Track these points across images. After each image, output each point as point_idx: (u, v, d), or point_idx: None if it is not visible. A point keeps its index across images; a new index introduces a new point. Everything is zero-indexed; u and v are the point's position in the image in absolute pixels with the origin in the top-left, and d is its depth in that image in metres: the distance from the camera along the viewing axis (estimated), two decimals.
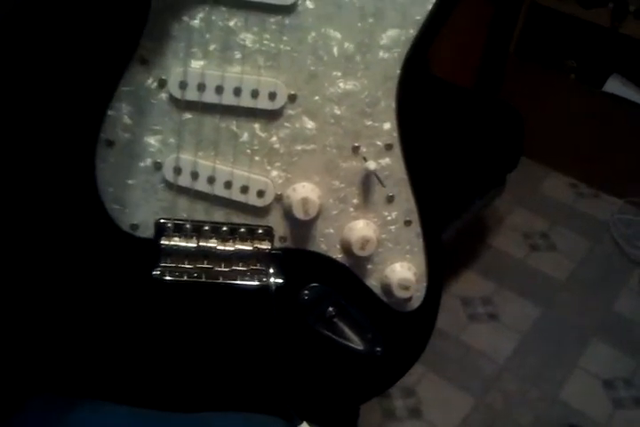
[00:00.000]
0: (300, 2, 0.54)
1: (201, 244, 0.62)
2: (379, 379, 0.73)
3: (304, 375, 0.71)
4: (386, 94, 0.58)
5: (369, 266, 0.65)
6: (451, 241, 1.35)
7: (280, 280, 0.64)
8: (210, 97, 0.57)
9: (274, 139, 0.59)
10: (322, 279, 0.65)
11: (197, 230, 0.62)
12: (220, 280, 0.64)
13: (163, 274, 0.63)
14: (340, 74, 0.57)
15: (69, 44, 0.56)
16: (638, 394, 1.40)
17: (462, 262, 1.64)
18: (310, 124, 0.59)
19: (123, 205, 0.61)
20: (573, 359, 1.45)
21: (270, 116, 0.58)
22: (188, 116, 0.58)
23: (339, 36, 0.56)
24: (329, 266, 0.64)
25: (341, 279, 0.65)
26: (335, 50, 0.56)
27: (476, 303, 1.55)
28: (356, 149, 0.60)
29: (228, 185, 0.60)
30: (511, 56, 1.91)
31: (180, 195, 0.61)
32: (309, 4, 0.55)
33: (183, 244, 0.62)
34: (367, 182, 0.61)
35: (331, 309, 0.66)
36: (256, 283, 0.64)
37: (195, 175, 0.59)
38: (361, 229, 0.62)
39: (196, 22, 0.55)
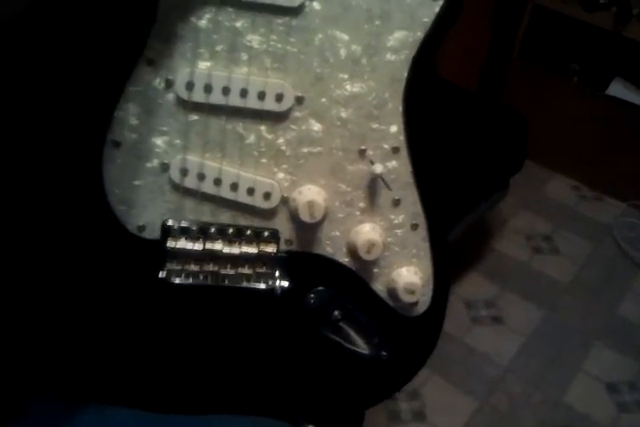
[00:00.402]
0: (307, 3, 0.54)
1: (207, 246, 0.62)
2: (385, 383, 0.72)
3: (310, 379, 0.70)
4: (393, 97, 0.58)
5: (375, 270, 0.64)
6: (454, 244, 1.35)
7: (286, 283, 0.64)
8: (216, 98, 0.57)
9: (280, 141, 0.59)
10: (328, 283, 0.65)
11: (203, 232, 0.62)
12: (226, 283, 0.63)
13: (169, 276, 0.63)
14: (346, 76, 0.57)
15: (77, 45, 0.57)
16: None
17: (466, 265, 1.64)
18: (317, 127, 0.59)
19: (129, 206, 0.61)
20: (577, 363, 1.45)
21: (277, 118, 0.58)
22: (194, 117, 0.58)
23: (346, 37, 0.56)
24: (335, 270, 0.64)
25: (347, 283, 0.65)
26: (342, 52, 0.56)
27: (479, 306, 1.55)
28: (362, 152, 0.60)
29: (234, 187, 0.60)
30: (515, 59, 1.91)
31: (187, 196, 0.61)
32: (316, 6, 0.55)
33: (189, 246, 0.62)
34: (373, 186, 0.61)
35: (336, 312, 0.66)
36: (262, 286, 0.64)
37: (201, 177, 0.59)
38: (367, 232, 0.61)
39: (203, 23, 0.55)
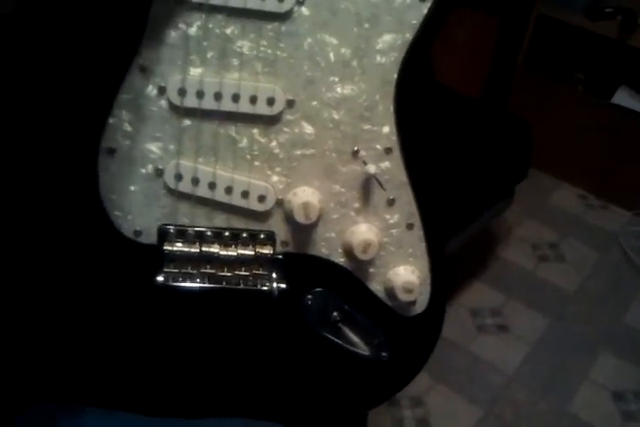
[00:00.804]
0: (295, 9, 0.55)
1: (203, 249, 0.62)
2: (385, 385, 0.72)
3: (310, 381, 0.71)
4: (383, 98, 0.58)
5: (372, 270, 0.65)
6: (459, 252, 1.35)
7: (283, 285, 0.64)
8: (209, 103, 0.57)
9: (273, 144, 0.59)
10: (325, 284, 0.65)
11: (200, 236, 0.62)
12: (224, 285, 0.64)
13: (166, 280, 0.63)
14: (337, 79, 0.58)
15: (68, 53, 0.57)
16: None
17: (471, 273, 1.63)
18: (309, 129, 0.59)
19: (125, 211, 0.61)
20: (583, 371, 1.44)
21: (269, 122, 0.59)
22: (187, 122, 0.58)
23: (335, 41, 0.56)
24: (332, 270, 0.64)
25: (345, 284, 0.65)
26: (332, 55, 0.57)
27: (485, 314, 1.54)
28: (355, 153, 0.60)
29: (228, 190, 0.60)
30: (520, 68, 1.91)
31: (182, 201, 0.61)
32: (305, 11, 0.55)
33: (186, 249, 0.62)
34: (368, 186, 0.61)
35: (335, 314, 0.66)
36: (259, 288, 0.64)
37: (195, 181, 0.60)
38: (363, 232, 0.62)
39: (194, 30, 0.56)
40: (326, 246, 0.63)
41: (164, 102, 0.58)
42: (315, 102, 0.58)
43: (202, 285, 0.64)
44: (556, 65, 1.90)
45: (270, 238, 0.63)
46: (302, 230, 0.62)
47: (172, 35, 0.56)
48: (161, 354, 0.68)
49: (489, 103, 1.91)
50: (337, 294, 0.65)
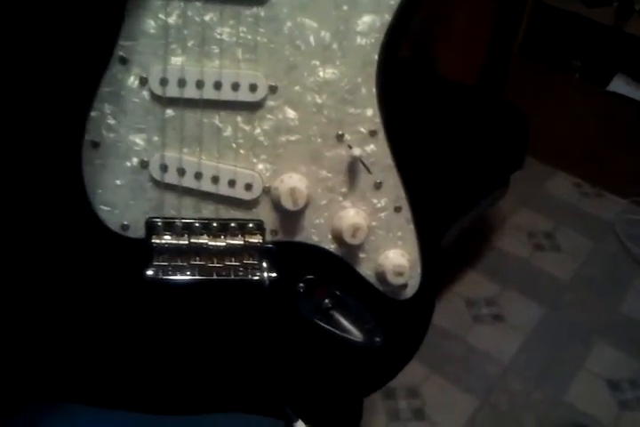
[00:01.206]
0: None
1: (192, 240, 0.62)
2: (380, 371, 0.72)
3: (304, 371, 0.70)
4: (365, 80, 0.58)
5: (362, 255, 0.64)
6: (455, 241, 1.36)
7: (274, 274, 0.64)
8: (191, 92, 0.57)
9: (257, 131, 0.59)
10: (316, 271, 0.65)
11: (188, 227, 0.62)
12: (214, 276, 0.63)
13: (156, 273, 0.63)
14: (318, 63, 0.58)
15: (46, 47, 0.57)
16: None
17: (467, 263, 1.64)
18: (292, 115, 0.59)
19: (112, 206, 0.61)
20: (578, 360, 1.45)
21: (252, 109, 0.58)
22: (170, 112, 0.58)
23: (314, 25, 0.56)
24: (322, 257, 0.64)
25: (336, 270, 0.65)
26: (312, 39, 0.57)
27: (480, 304, 1.55)
28: (340, 137, 0.60)
29: (215, 180, 0.60)
30: (516, 55, 1.92)
31: (168, 192, 0.61)
32: None
33: (174, 241, 0.62)
34: (354, 170, 0.61)
35: (327, 301, 0.66)
36: (250, 278, 0.64)
37: (181, 172, 0.60)
38: (351, 217, 0.62)
39: (173, 19, 0.55)
40: (316, 233, 0.63)
41: (146, 93, 0.57)
42: (297, 87, 0.58)
43: (192, 277, 0.63)
44: (553, 52, 1.91)
45: (259, 227, 0.63)
46: (291, 218, 0.62)
47: (151, 24, 0.55)
48: (154, 349, 0.67)
49: (485, 91, 1.92)
50: (328, 281, 0.65)
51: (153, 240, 0.62)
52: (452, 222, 1.31)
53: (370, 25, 0.57)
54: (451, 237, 1.32)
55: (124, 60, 0.56)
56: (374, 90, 0.59)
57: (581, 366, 1.43)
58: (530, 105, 1.60)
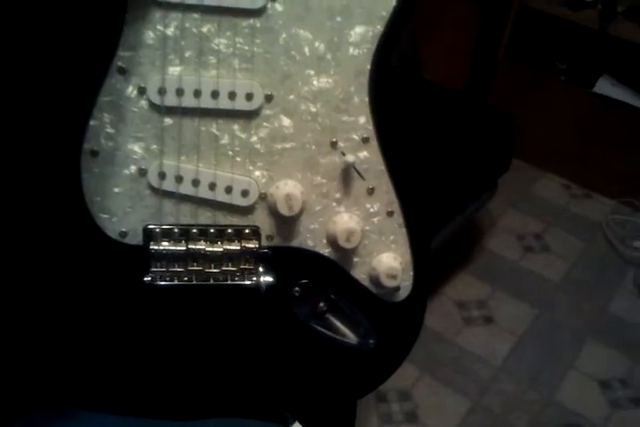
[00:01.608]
0: (269, 5, 0.57)
1: (190, 246, 0.63)
2: (373, 372, 0.73)
3: (299, 374, 0.72)
4: (358, 89, 0.60)
5: (356, 259, 0.66)
6: (445, 244, 1.36)
7: (270, 279, 0.65)
8: (188, 101, 0.58)
9: (254, 139, 0.61)
10: (311, 275, 0.66)
11: (185, 234, 0.63)
12: (211, 282, 0.65)
13: (154, 279, 0.64)
14: (313, 72, 0.59)
15: (46, 57, 0.58)
16: (635, 394, 1.41)
17: (457, 265, 1.65)
18: (288, 123, 0.60)
19: (110, 213, 0.62)
20: (569, 360, 1.46)
21: (249, 117, 0.60)
22: (168, 121, 0.59)
23: (309, 36, 0.58)
24: (317, 262, 0.66)
25: (330, 274, 0.66)
26: (307, 49, 0.58)
27: (471, 306, 1.56)
28: (334, 145, 0.62)
29: (212, 187, 0.61)
30: (501, 59, 1.93)
31: (166, 199, 0.62)
32: (278, 7, 0.57)
33: (172, 248, 0.63)
34: (347, 176, 0.63)
35: (322, 304, 0.68)
36: (246, 282, 0.65)
37: (179, 179, 0.61)
38: (345, 221, 0.63)
39: (171, 30, 0.57)
40: (311, 238, 0.65)
41: (144, 102, 0.59)
42: (292, 96, 0.60)
43: (190, 282, 0.64)
44: (538, 55, 1.93)
45: (255, 233, 0.64)
46: (286, 223, 0.64)
47: (150, 35, 0.57)
48: (153, 354, 0.68)
49: (471, 95, 1.93)
50: (323, 285, 0.67)
51: (151, 247, 0.63)
52: (440, 226, 1.32)
53: (362, 36, 0.58)
54: (440, 241, 1.33)
55: (122, 71, 0.58)
56: (367, 98, 0.60)
57: (572, 366, 1.45)
58: (516, 108, 1.61)
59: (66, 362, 0.68)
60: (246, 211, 0.63)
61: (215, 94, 0.58)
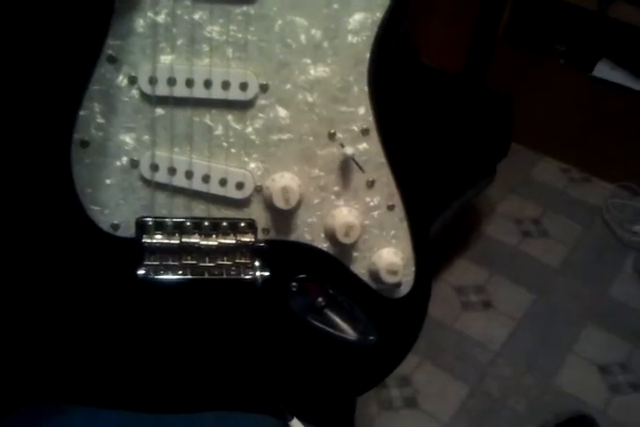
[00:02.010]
0: None
1: (184, 240, 0.61)
2: (374, 369, 0.72)
3: (298, 370, 0.70)
4: (357, 79, 0.58)
5: (355, 254, 0.64)
6: (443, 230, 1.35)
7: (266, 273, 0.64)
8: (181, 91, 0.57)
9: (249, 130, 0.59)
10: (309, 270, 0.65)
11: (179, 227, 0.61)
12: (206, 276, 0.63)
13: (147, 273, 0.62)
14: (309, 61, 0.57)
15: (34, 45, 0.56)
16: (634, 379, 1.40)
17: (455, 251, 1.63)
18: (284, 113, 0.58)
19: (102, 205, 0.60)
20: (568, 345, 1.45)
21: (243, 108, 0.58)
22: (160, 111, 0.58)
23: (305, 23, 0.56)
24: (315, 256, 0.64)
25: (329, 269, 0.65)
26: (303, 37, 0.56)
27: (469, 291, 1.55)
28: (332, 136, 0.60)
29: (206, 179, 0.60)
30: (500, 42, 1.90)
31: (159, 192, 0.60)
32: None
33: (166, 241, 0.61)
34: (346, 169, 0.61)
35: (320, 299, 0.66)
36: (242, 277, 0.63)
37: (172, 171, 0.59)
38: (344, 215, 0.61)
39: (162, 17, 0.55)
40: (308, 232, 0.63)
41: (135, 92, 0.57)
42: (288, 86, 0.58)
43: (184, 276, 0.63)
44: (537, 38, 1.89)
45: (251, 226, 0.62)
46: (283, 217, 0.62)
47: (140, 23, 0.55)
48: (149, 348, 0.67)
49: (469, 79, 1.90)
50: (321, 280, 0.65)
51: (144, 240, 0.61)
52: (438, 212, 1.30)
53: (361, 23, 0.56)
54: (438, 227, 1.31)
55: (112, 59, 0.56)
56: (366, 88, 0.58)
57: (571, 351, 1.44)
58: (515, 91, 1.59)
59: (60, 356, 0.67)
60: (241, 204, 0.61)
61: (208, 84, 0.56)
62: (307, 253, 0.64)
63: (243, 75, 0.56)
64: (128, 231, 0.61)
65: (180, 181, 0.60)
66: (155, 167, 0.59)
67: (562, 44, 1.88)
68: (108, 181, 0.60)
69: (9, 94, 0.58)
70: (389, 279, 0.63)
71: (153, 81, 0.56)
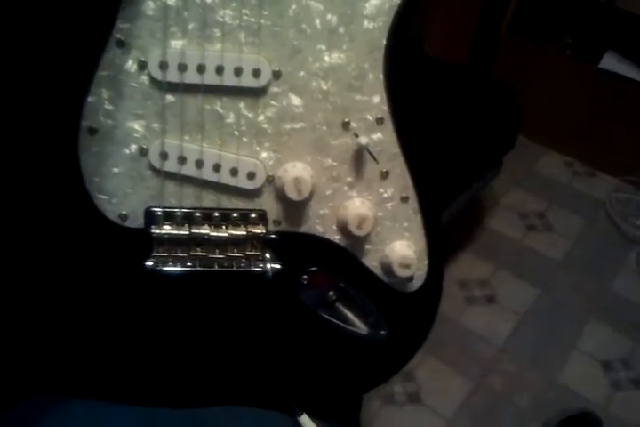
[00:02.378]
0: None
1: (193, 231, 0.60)
2: (384, 365, 0.71)
3: (308, 365, 0.69)
4: (373, 66, 0.56)
5: (367, 246, 0.63)
6: (447, 224, 1.34)
7: (277, 265, 0.62)
8: (192, 77, 0.55)
9: (261, 118, 0.57)
10: (320, 263, 0.63)
11: (189, 217, 0.60)
12: (216, 268, 0.62)
13: (156, 264, 0.61)
14: (324, 47, 0.55)
15: (41, 30, 0.55)
16: (637, 375, 1.39)
17: (459, 245, 1.62)
18: (297, 101, 0.57)
19: (110, 194, 0.59)
20: (571, 340, 1.44)
21: (255, 95, 0.56)
22: (170, 98, 0.56)
23: (321, 7, 0.54)
24: (327, 248, 0.62)
25: (340, 262, 0.63)
26: (318, 22, 0.55)
27: (473, 286, 1.54)
28: (346, 125, 0.58)
29: (216, 168, 0.58)
30: (505, 33, 1.88)
31: (168, 181, 0.59)
32: None
33: (175, 232, 0.60)
34: (360, 159, 0.59)
35: (331, 293, 0.65)
36: (252, 269, 0.62)
37: (182, 160, 0.58)
38: (357, 207, 0.60)
39: (173, 0, 0.53)
40: (320, 223, 0.61)
41: (144, 78, 0.55)
42: (302, 73, 0.56)
43: (193, 268, 0.62)
44: (543, 29, 1.87)
45: (262, 218, 0.61)
46: (295, 208, 0.60)
47: (150, 6, 0.53)
48: (156, 342, 0.66)
49: (475, 70, 1.88)
50: (332, 273, 0.64)
51: (152, 230, 0.60)
52: (445, 205, 1.29)
53: (378, 8, 0.54)
54: (443, 220, 1.30)
55: (121, 43, 0.54)
56: (382, 76, 0.57)
57: (574, 347, 1.43)
58: (521, 83, 1.56)
59: (67, 349, 0.66)
60: (252, 194, 0.60)
61: (220, 70, 0.55)
62: (318, 246, 0.62)
63: (255, 61, 0.55)
64: (136, 222, 0.60)
65: (189, 170, 0.58)
66: (164, 156, 0.57)
67: (568, 35, 1.85)
68: (116, 170, 0.58)
69: (16, 81, 0.56)
70: (402, 273, 0.62)
71: (163, 66, 0.54)
